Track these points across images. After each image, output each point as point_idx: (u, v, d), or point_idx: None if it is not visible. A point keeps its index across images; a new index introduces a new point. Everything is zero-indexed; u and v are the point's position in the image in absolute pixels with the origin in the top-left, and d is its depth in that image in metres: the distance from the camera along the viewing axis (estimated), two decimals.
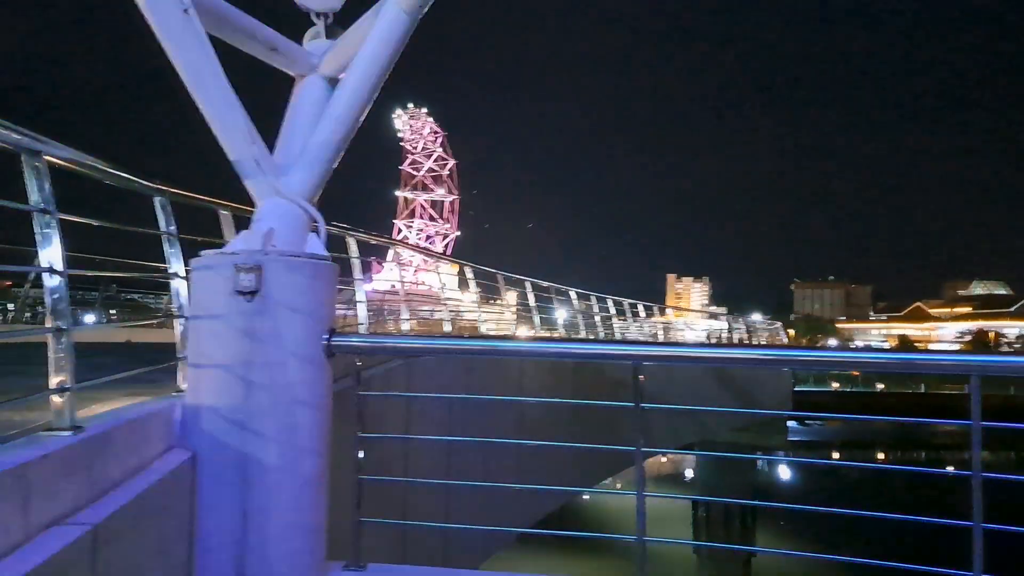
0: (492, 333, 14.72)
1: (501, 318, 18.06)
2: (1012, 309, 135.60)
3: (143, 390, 4.25)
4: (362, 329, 7.24)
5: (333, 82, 4.81)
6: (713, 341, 31.76)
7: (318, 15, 5.05)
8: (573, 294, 19.99)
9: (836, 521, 15.67)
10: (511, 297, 19.07)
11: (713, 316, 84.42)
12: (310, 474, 3.92)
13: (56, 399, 3.09)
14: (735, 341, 33.82)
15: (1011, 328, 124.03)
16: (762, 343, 37.18)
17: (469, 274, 15.02)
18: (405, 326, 9.62)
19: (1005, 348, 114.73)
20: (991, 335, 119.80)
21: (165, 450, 3.71)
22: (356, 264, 7.70)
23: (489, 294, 17.21)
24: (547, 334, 18.32)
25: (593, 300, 22.01)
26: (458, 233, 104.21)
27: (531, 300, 17.49)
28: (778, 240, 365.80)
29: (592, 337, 20.88)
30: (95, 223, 3.78)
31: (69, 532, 2.64)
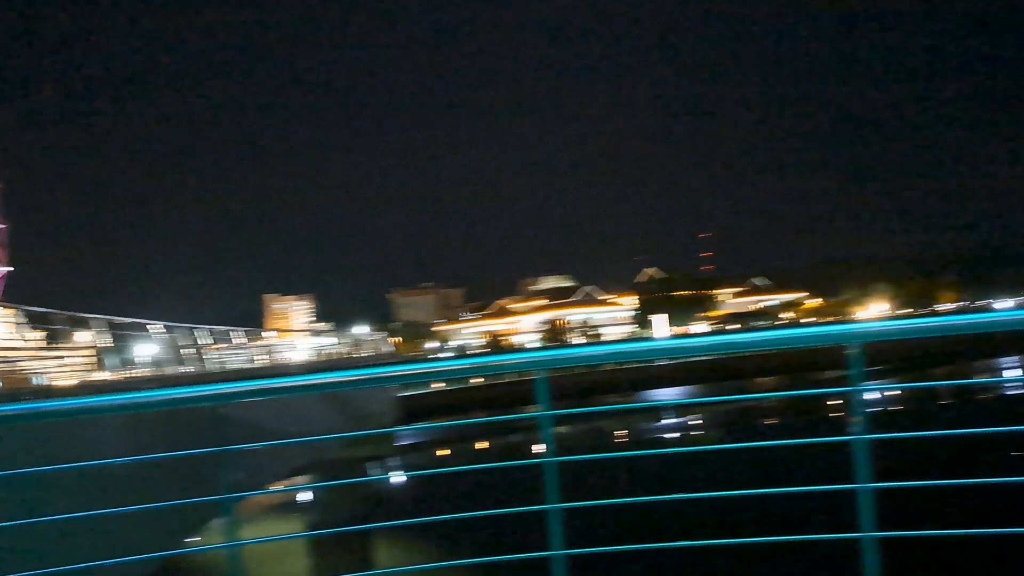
0: (58, 384, 12.74)
1: (71, 363, 15.80)
2: (574, 298, 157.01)
3: None
4: None
5: None
6: (323, 358, 31.57)
7: None
8: (159, 327, 18.25)
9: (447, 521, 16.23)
10: (83, 337, 16.78)
11: (319, 333, 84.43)
12: None
13: None
14: (343, 355, 34.04)
15: (575, 315, 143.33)
16: (370, 354, 37.98)
17: (21, 317, 12.83)
18: None
19: (571, 333, 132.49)
20: (560, 322, 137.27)
21: None
22: None
23: (54, 337, 14.91)
24: (127, 376, 16.44)
25: (186, 332, 20.38)
26: (10, 269, 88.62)
27: (104, 340, 15.61)
28: (375, 251, 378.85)
29: (186, 371, 19.35)
30: None
31: None
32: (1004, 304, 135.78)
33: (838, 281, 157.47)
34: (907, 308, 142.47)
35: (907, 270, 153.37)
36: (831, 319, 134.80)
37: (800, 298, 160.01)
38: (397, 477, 45.57)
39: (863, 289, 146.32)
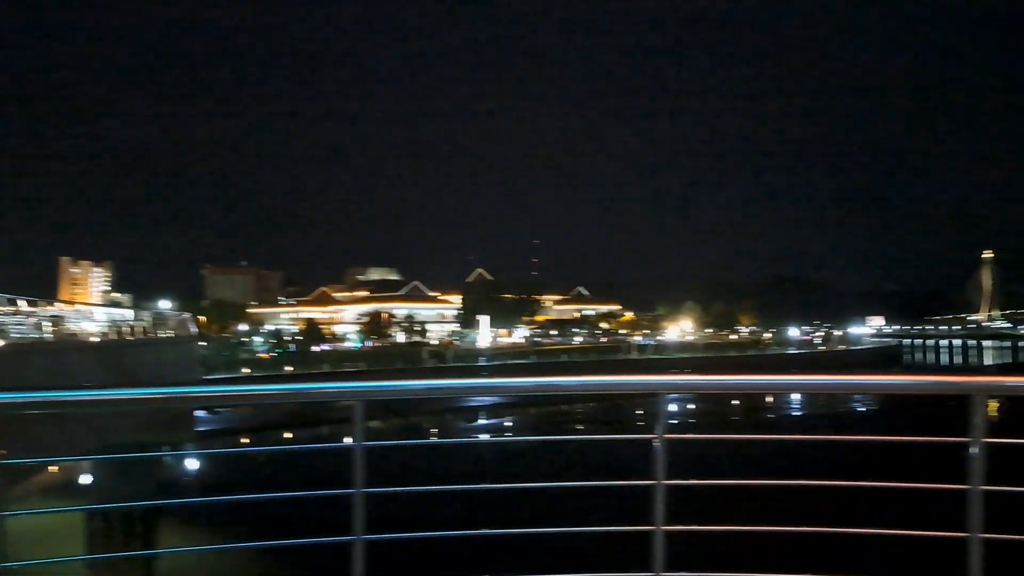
0: None
1: None
2: (400, 292, 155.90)
3: None
4: None
5: None
6: (113, 334, 29.31)
7: None
8: None
9: (245, 508, 15.80)
10: None
11: (116, 305, 78.92)
12: None
13: None
14: (141, 332, 31.80)
15: (400, 309, 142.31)
16: (170, 334, 35.80)
17: None
18: None
19: (394, 327, 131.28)
20: (384, 315, 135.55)
21: None
22: None
23: None
24: None
25: None
26: None
27: None
28: (188, 224, 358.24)
29: None
30: None
31: None
32: (792, 332, 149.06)
33: (652, 297, 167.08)
34: (711, 329, 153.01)
35: (713, 293, 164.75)
36: (644, 333, 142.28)
37: (617, 310, 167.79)
38: (192, 463, 43.24)
39: (674, 306, 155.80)
